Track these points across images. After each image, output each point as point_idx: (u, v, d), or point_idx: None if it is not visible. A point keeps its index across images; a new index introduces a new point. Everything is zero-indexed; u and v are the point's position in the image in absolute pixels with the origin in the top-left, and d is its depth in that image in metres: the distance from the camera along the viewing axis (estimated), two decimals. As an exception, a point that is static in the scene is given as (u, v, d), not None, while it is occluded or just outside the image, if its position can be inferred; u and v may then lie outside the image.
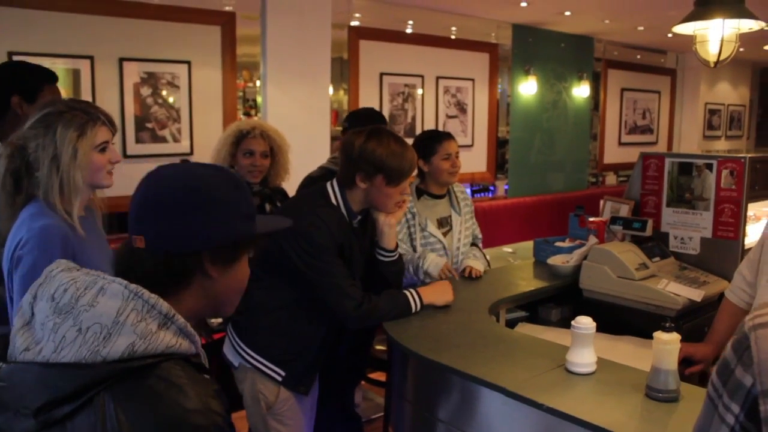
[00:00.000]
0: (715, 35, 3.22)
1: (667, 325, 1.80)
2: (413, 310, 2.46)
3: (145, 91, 4.63)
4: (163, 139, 4.75)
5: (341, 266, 2.32)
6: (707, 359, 2.49)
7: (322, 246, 2.27)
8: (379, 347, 3.42)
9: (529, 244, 4.44)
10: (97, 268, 1.13)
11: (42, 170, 1.80)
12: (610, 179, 8.74)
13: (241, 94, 5.81)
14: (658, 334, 1.80)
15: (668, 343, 1.79)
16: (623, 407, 1.76)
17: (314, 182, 3.24)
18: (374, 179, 2.34)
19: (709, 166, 3.09)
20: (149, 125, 4.67)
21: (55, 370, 0.96)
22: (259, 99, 5.64)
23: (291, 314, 2.38)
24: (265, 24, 5.03)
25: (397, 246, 2.56)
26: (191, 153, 4.85)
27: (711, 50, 3.26)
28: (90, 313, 0.98)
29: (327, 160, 3.43)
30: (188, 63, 4.81)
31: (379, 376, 3.47)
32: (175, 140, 4.81)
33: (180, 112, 4.81)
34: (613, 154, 8.63)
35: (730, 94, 10.44)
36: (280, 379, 2.36)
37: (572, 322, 1.97)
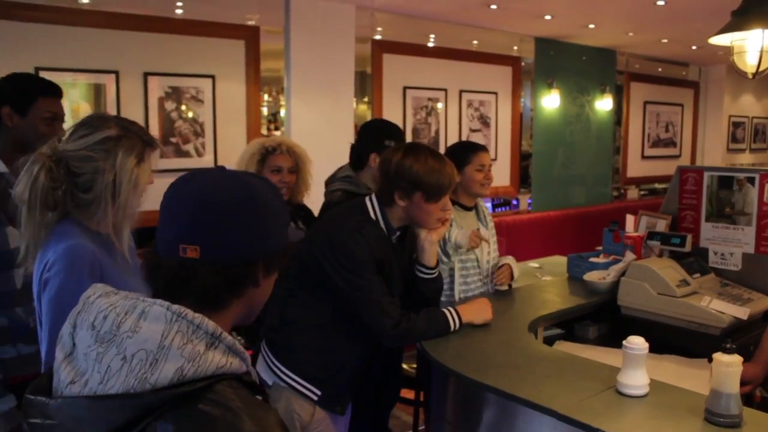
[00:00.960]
0: (754, 46, 3.14)
1: (728, 346, 1.73)
2: (452, 328, 2.40)
3: (170, 105, 4.63)
4: (187, 154, 4.73)
5: (380, 283, 2.27)
6: (756, 380, 2.41)
7: (361, 262, 2.22)
8: (405, 364, 3.35)
9: (555, 259, 4.39)
10: (129, 288, 1.09)
11: (94, 193, 1.77)
12: (632, 193, 8.65)
13: (264, 108, 5.80)
14: (719, 356, 1.73)
15: (730, 366, 1.71)
16: (683, 432, 1.69)
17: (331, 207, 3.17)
18: (413, 196, 2.29)
19: (751, 180, 3.01)
20: (173, 140, 4.66)
21: (104, 402, 0.91)
22: (282, 113, 5.62)
23: (328, 332, 2.33)
24: (288, 38, 5.03)
25: (438, 263, 2.50)
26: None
27: (749, 61, 3.19)
28: (133, 340, 0.94)
29: (339, 180, 3.18)
30: (212, 77, 4.80)
31: (406, 393, 3.40)
32: (199, 154, 4.79)
33: (204, 126, 4.79)
34: (636, 167, 8.55)
35: (754, 106, 10.33)
36: (315, 398, 2.30)
37: (624, 342, 1.90)
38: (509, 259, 3.15)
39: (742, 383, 2.38)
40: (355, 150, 3.16)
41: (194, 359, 0.94)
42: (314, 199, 3.22)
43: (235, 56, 4.92)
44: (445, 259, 2.91)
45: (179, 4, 4.63)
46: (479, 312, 2.52)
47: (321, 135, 4.97)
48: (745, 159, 10.21)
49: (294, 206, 3.10)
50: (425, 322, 2.33)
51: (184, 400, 0.92)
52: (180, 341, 0.95)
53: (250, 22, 4.99)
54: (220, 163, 4.83)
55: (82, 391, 0.94)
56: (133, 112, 4.41)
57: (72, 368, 0.97)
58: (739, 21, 3.16)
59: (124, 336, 0.95)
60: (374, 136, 3.10)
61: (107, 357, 0.94)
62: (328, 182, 3.26)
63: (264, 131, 6.35)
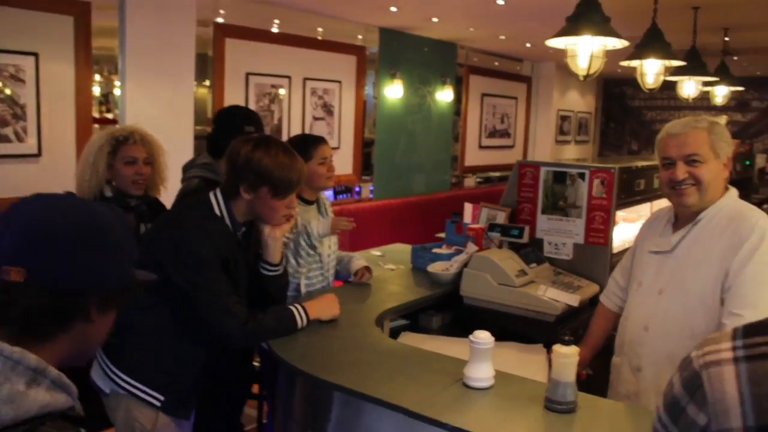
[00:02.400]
0: (585, 50, 3.34)
1: (567, 338, 1.81)
2: (299, 326, 2.34)
3: (-17, 84, 4.19)
4: (6, 138, 4.31)
5: (225, 282, 2.17)
6: (585, 362, 2.57)
7: (205, 261, 2.12)
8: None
9: (397, 247, 4.46)
10: None
11: None
12: (469, 181, 9.01)
13: (96, 88, 5.40)
14: (558, 348, 1.81)
15: (568, 357, 1.80)
16: (526, 421, 1.76)
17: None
18: (259, 191, 2.21)
19: (582, 176, 3.20)
20: (-11, 121, 4.22)
21: None
22: (117, 93, 5.26)
23: (169, 334, 2.21)
24: (124, 16, 4.72)
25: (282, 260, 2.44)
26: (39, 153, 4.44)
27: (581, 64, 3.38)
28: None
29: (197, 166, 3.16)
30: (35, 55, 4.39)
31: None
32: (20, 139, 4.38)
33: (26, 108, 4.38)
34: (473, 156, 8.90)
35: (579, 102, 11.11)
36: (158, 404, 2.18)
37: (470, 337, 1.94)
38: (363, 261, 3.16)
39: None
40: (211, 138, 3.07)
41: (13, 400, 0.84)
42: (171, 194, 3.04)
43: (63, 33, 4.52)
44: (311, 252, 2.87)
45: (-5, -29, 4.21)
46: (326, 308, 2.48)
47: (159, 121, 4.69)
48: (571, 150, 10.96)
49: (149, 205, 2.89)
50: (272, 321, 2.26)
51: None
52: None
53: (80, -3, 4.63)
54: (44, 149, 4.46)
55: None
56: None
57: None
58: (572, 27, 3.34)
59: None
60: (232, 122, 3.03)
61: None
62: (186, 168, 3.13)
63: (96, 113, 5.94)
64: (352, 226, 2.91)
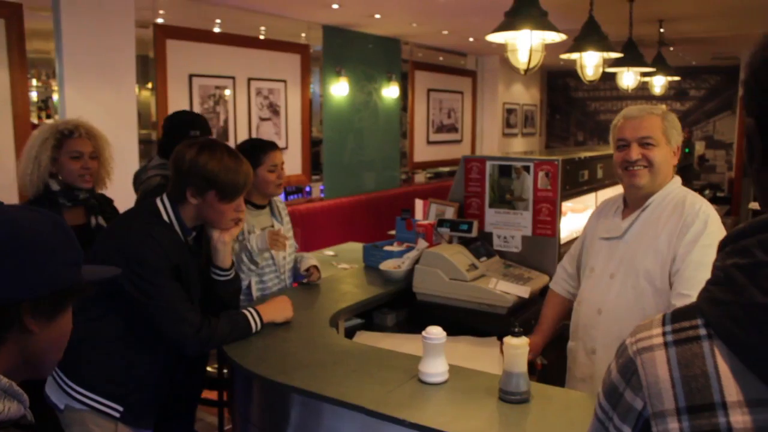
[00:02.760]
0: (524, 44, 3.39)
1: (516, 330, 1.85)
2: (254, 330, 2.34)
3: None
4: (-63, 148, 4.16)
5: (177, 289, 2.15)
6: (537, 349, 2.63)
7: (155, 268, 2.09)
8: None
9: (350, 246, 4.47)
10: None
11: None
12: (419, 177, 9.06)
13: (34, 93, 5.26)
14: (509, 340, 1.85)
15: (518, 348, 1.84)
16: (482, 413, 1.79)
17: (158, 193, 3.01)
18: (206, 195, 2.20)
19: (527, 168, 3.25)
20: None
21: None
22: (55, 98, 5.13)
23: (126, 344, 2.17)
24: (58, 19, 4.59)
25: (233, 264, 2.42)
26: (-26, 162, 4.30)
27: (521, 58, 3.44)
28: None
29: (154, 167, 3.20)
30: (-34, 60, 4.26)
31: (209, 394, 3.29)
32: (-46, 148, 4.24)
33: (-41, 116, 4.25)
34: (422, 152, 8.94)
35: (524, 94, 11.26)
36: (117, 415, 2.15)
37: (423, 333, 1.96)
38: (313, 260, 3.17)
39: (526, 353, 2.60)
40: (161, 144, 3.12)
41: None
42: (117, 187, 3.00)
43: (-5, 37, 4.40)
44: (253, 267, 2.86)
45: None
46: (280, 310, 2.48)
47: (101, 125, 4.42)
48: (518, 143, 11.12)
49: (98, 199, 2.85)
50: (226, 326, 2.24)
51: None
52: None
53: (12, -1, 4.49)
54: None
55: None
56: None
57: None
58: (511, 21, 3.39)
59: None
60: (179, 128, 3.07)
61: None
62: (138, 174, 3.14)
63: (35, 120, 5.78)
64: (283, 247, 2.90)
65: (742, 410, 0.83)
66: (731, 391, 0.83)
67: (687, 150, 8.44)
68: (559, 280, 2.66)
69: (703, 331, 0.89)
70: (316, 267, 3.13)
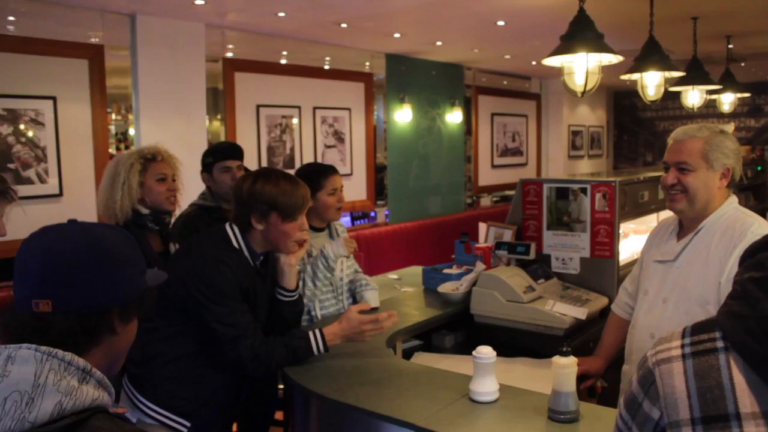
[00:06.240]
0: (580, 68, 3.41)
1: (564, 349, 1.87)
2: (315, 353, 2.34)
3: (5, 129, 4.34)
4: (29, 180, 4.46)
5: (245, 313, 2.25)
6: (599, 373, 2.61)
7: (225, 292, 2.20)
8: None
9: (413, 270, 4.52)
10: None
11: None
12: (485, 201, 9.06)
13: (113, 127, 5.56)
14: (557, 359, 1.87)
15: (566, 367, 1.85)
16: (529, 432, 1.81)
17: (191, 221, 3.15)
18: (269, 217, 2.30)
19: (584, 190, 3.26)
20: (11, 166, 4.37)
21: None
22: (132, 132, 5.42)
23: (195, 362, 2.29)
24: (135, 58, 4.88)
25: (298, 286, 2.51)
26: (60, 194, 4.59)
27: (577, 81, 3.45)
28: (4, 384, 0.97)
29: (198, 196, 3.37)
30: (53, 99, 4.56)
31: (276, 414, 3.38)
32: (42, 180, 4.53)
33: (46, 150, 4.54)
34: (486, 176, 8.96)
35: (590, 116, 11.14)
36: (185, 430, 2.25)
37: (473, 353, 2.00)
38: (369, 292, 3.14)
39: (587, 377, 2.59)
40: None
41: (71, 393, 0.99)
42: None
43: (78, 76, 4.70)
44: (329, 274, 2.93)
45: (11, 19, 4.37)
46: (350, 335, 2.39)
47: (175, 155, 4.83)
48: (584, 165, 10.98)
49: (166, 227, 2.91)
50: (284, 351, 2.27)
51: None
52: (54, 378, 0.99)
53: (94, 40, 4.80)
54: (65, 189, 4.60)
55: None
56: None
57: None
58: (566, 45, 3.42)
59: None
60: (202, 158, 3.40)
61: None
62: None
63: (113, 151, 6.09)
64: (355, 249, 2.98)
65: (756, 422, 0.85)
66: (745, 402, 0.86)
67: (759, 168, 8.17)
68: (621, 303, 2.64)
69: (720, 344, 0.92)
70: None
